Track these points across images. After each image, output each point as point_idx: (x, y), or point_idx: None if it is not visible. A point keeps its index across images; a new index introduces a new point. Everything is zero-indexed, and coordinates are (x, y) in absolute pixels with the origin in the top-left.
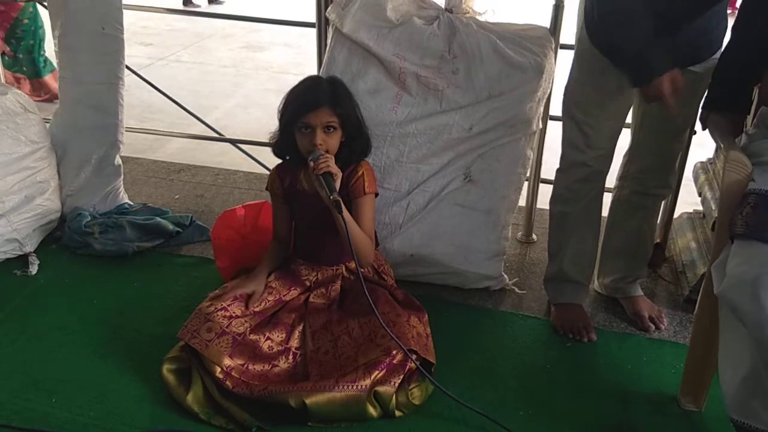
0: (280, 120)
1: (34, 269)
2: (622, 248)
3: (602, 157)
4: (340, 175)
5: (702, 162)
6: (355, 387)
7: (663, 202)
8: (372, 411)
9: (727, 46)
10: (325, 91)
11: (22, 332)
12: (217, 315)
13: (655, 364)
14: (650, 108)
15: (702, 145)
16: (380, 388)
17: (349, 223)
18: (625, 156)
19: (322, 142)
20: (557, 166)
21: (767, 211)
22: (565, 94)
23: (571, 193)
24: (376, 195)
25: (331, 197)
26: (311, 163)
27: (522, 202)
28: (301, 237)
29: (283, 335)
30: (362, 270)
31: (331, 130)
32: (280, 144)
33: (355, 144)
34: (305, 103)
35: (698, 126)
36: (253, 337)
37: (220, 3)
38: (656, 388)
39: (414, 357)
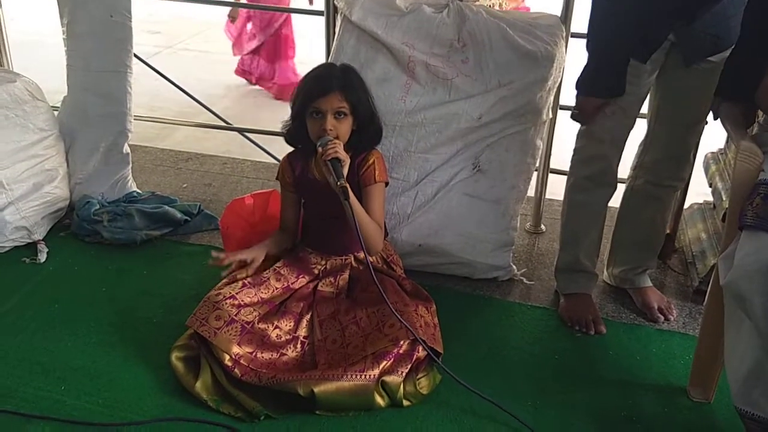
0: (292, 107)
1: (42, 257)
2: (634, 239)
3: (618, 150)
4: (348, 161)
5: (713, 152)
6: (363, 376)
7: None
8: (380, 400)
9: (740, 33)
10: (337, 77)
11: (31, 320)
12: (226, 303)
13: (664, 356)
14: (666, 99)
15: (713, 135)
16: (388, 378)
17: (357, 210)
18: (639, 146)
19: (332, 128)
20: (570, 155)
21: None
22: None
23: (591, 182)
24: (387, 184)
25: (339, 183)
26: (319, 149)
27: (531, 192)
28: (310, 226)
29: (292, 324)
30: (371, 259)
31: (342, 116)
32: (292, 132)
33: (366, 132)
34: (316, 88)
35: (710, 116)
36: (261, 325)
37: None
38: (665, 379)
39: (422, 346)
